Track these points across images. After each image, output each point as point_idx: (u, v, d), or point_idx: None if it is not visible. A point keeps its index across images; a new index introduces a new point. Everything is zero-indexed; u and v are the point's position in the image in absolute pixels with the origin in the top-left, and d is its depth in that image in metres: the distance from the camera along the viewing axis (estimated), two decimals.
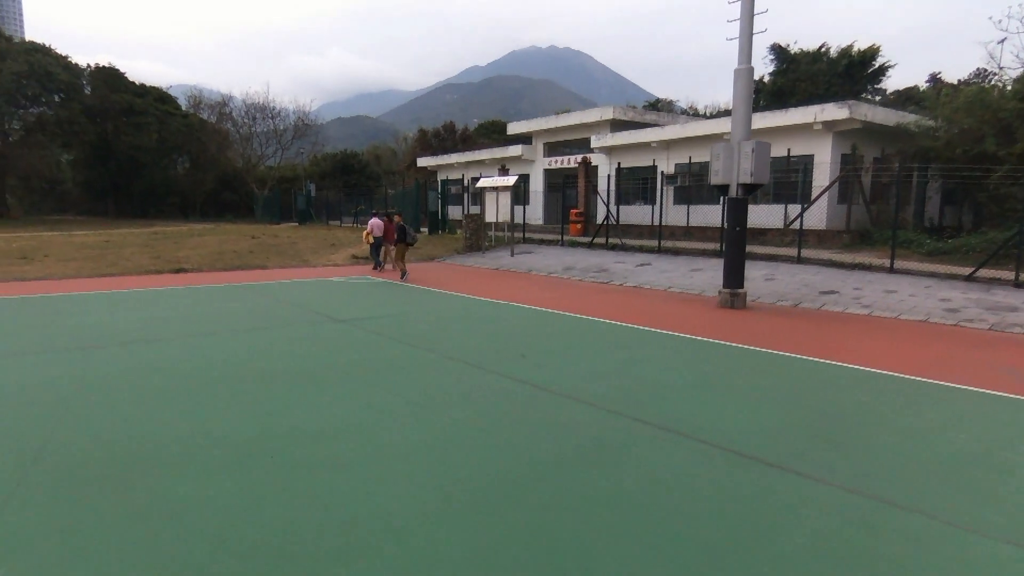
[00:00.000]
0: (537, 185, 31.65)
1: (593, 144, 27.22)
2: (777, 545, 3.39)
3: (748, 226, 11.98)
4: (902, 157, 19.35)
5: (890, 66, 35.03)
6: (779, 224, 19.81)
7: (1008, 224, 15.75)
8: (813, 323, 10.22)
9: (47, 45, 49.18)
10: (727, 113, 39.02)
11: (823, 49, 35.52)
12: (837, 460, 4.53)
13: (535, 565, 3.18)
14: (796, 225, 16.93)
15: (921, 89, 34.98)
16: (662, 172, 23.52)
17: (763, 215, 19.70)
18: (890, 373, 7.01)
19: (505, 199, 21.98)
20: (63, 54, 49.34)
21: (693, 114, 47.85)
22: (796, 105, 22.24)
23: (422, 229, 29.10)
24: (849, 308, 11.38)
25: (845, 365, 7.37)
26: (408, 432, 5.00)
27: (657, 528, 3.56)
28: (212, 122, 59.11)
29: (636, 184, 26.28)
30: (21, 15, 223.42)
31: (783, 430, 5.16)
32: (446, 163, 38.87)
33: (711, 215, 21.14)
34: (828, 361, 7.55)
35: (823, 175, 19.22)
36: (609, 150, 26.93)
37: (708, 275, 15.15)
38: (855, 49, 34.57)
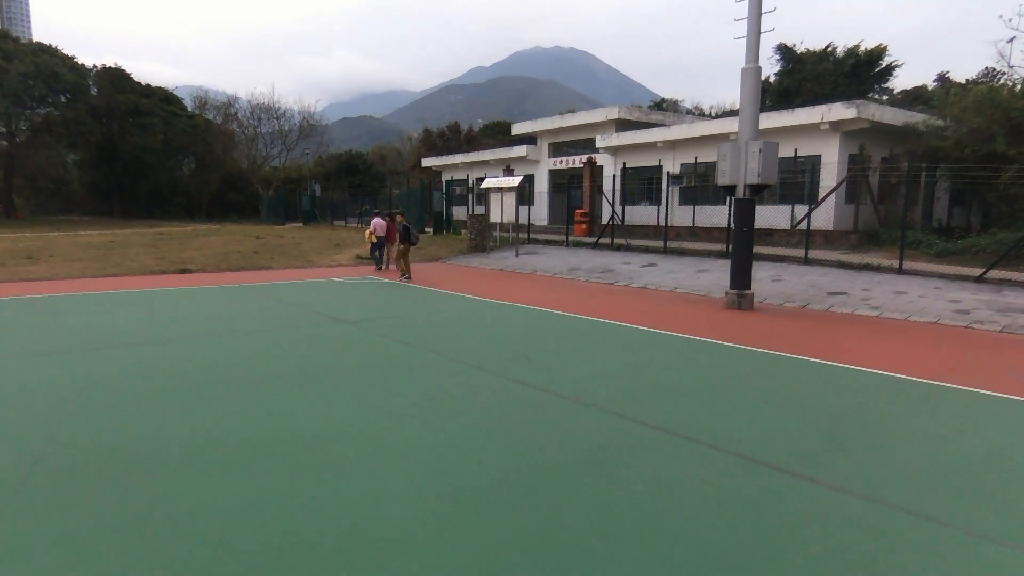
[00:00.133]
0: (542, 185, 31.59)
1: (598, 144, 27.13)
2: (789, 553, 3.31)
3: (755, 227, 11.87)
4: (911, 157, 19.21)
5: (897, 65, 34.83)
6: (786, 225, 19.69)
7: (1018, 225, 15.61)
8: (821, 325, 10.11)
9: (53, 46, 49.41)
10: (733, 113, 38.88)
11: (829, 49, 35.32)
12: (848, 465, 4.45)
13: (541, 573, 3.10)
14: (803, 226, 16.81)
15: (929, 89, 34.77)
16: (668, 172, 23.44)
17: (770, 216, 19.58)
18: (901, 376, 6.90)
19: (510, 199, 21.92)
20: (69, 55, 49.60)
21: (699, 114, 47.72)
22: (802, 105, 22.11)
23: (427, 229, 29.07)
24: (858, 309, 11.26)
25: (854, 368, 7.26)
26: (411, 436, 4.94)
27: (666, 534, 3.48)
28: (218, 123, 59.27)
29: (641, 184, 26.19)
30: (28, 16, 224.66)
31: (792, 434, 5.07)
32: (451, 163, 38.85)
33: (717, 215, 21.03)
34: (837, 363, 7.45)
35: (830, 175, 19.09)
36: (614, 150, 26.84)
37: (714, 276, 15.05)
38: (862, 49, 34.36)
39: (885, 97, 35.05)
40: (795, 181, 19.97)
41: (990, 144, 17.17)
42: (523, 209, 24.07)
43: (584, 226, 26.08)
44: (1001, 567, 3.23)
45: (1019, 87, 18.69)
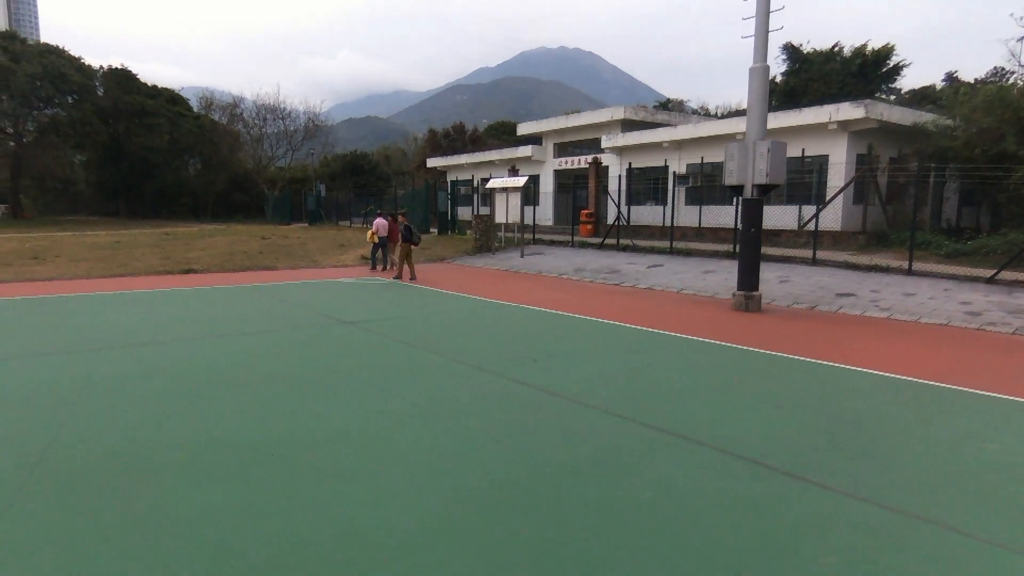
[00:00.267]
0: (547, 186, 31.50)
1: (604, 144, 27.02)
2: (803, 562, 3.22)
3: (762, 227, 11.76)
4: (920, 157, 19.03)
5: (904, 65, 34.58)
6: (793, 225, 19.55)
7: None
8: (830, 326, 9.99)
9: (60, 47, 49.63)
10: (739, 113, 38.71)
11: (836, 48, 35.10)
12: (859, 470, 4.35)
13: None
14: (811, 226, 16.67)
15: (937, 88, 34.51)
16: (674, 172, 23.32)
17: (777, 216, 19.45)
18: (913, 379, 6.79)
19: (515, 200, 21.84)
20: (76, 55, 49.79)
21: (704, 114, 47.54)
22: (810, 105, 21.95)
23: (431, 230, 29.03)
24: (867, 311, 11.14)
25: (865, 370, 7.15)
26: (415, 438, 4.87)
27: (673, 541, 3.39)
28: (223, 123, 59.47)
29: (647, 184, 26.07)
30: (37, 17, 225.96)
31: (803, 438, 4.98)
32: (456, 164, 38.80)
33: (723, 216, 20.89)
34: (847, 366, 7.34)
35: (838, 175, 18.93)
36: (620, 150, 26.73)
37: (721, 277, 14.93)
38: (869, 48, 34.13)
39: (892, 97, 34.81)
40: (802, 181, 19.83)
41: (1000, 144, 16.99)
42: (528, 209, 24.00)
43: (590, 226, 25.98)
44: None
45: None
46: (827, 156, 19.73)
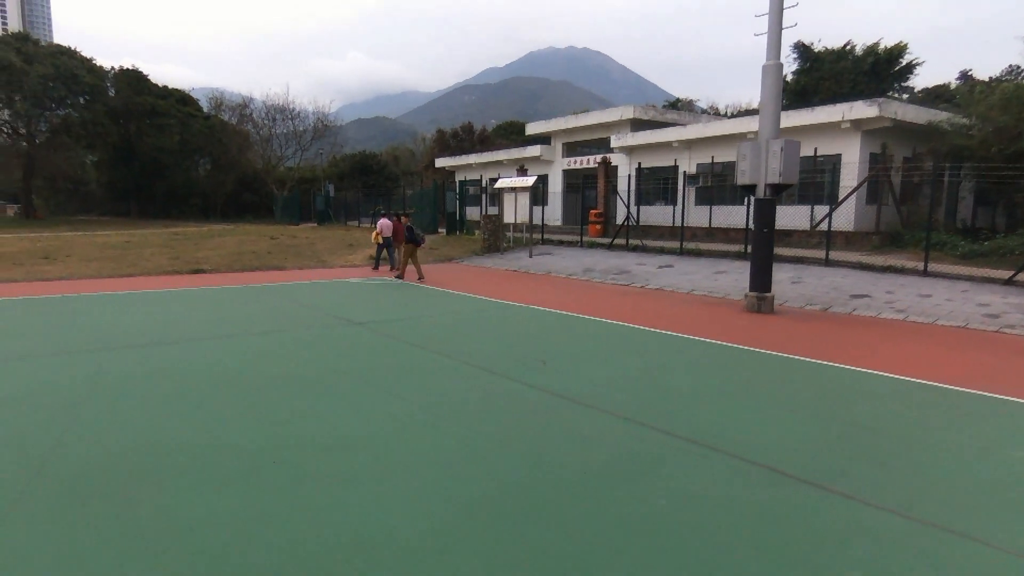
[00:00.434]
0: (556, 186, 31.36)
1: (613, 144, 26.86)
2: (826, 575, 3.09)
3: (775, 227, 11.58)
4: (934, 156, 18.77)
5: (917, 64, 34.16)
6: (805, 225, 19.32)
7: None
8: (845, 328, 9.82)
9: (73, 48, 49.97)
10: (750, 112, 38.41)
11: (848, 47, 34.75)
12: (884, 479, 4.21)
13: None
14: (823, 226, 16.46)
15: (951, 87, 34.11)
16: (684, 172, 23.14)
17: (788, 216, 19.22)
18: (932, 383, 6.63)
19: (524, 200, 21.73)
20: (88, 56, 50.11)
21: (714, 114, 47.23)
22: (822, 103, 21.70)
23: (440, 230, 28.97)
24: (882, 313, 10.95)
25: (882, 374, 6.99)
26: (423, 443, 4.77)
27: (691, 551, 3.27)
28: (233, 124, 59.64)
29: (657, 184, 25.89)
30: (50, 19, 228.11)
31: (822, 445, 4.84)
32: (464, 164, 38.73)
33: (734, 216, 20.69)
34: (864, 369, 7.18)
35: (851, 175, 18.69)
36: (629, 150, 26.56)
37: (732, 277, 14.76)
38: (881, 47, 33.75)
39: (905, 96, 34.43)
40: (814, 181, 19.59)
41: (1017, 143, 16.71)
42: (537, 209, 23.87)
43: (599, 226, 25.83)
44: None
45: None
46: (840, 155, 19.49)
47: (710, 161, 23.35)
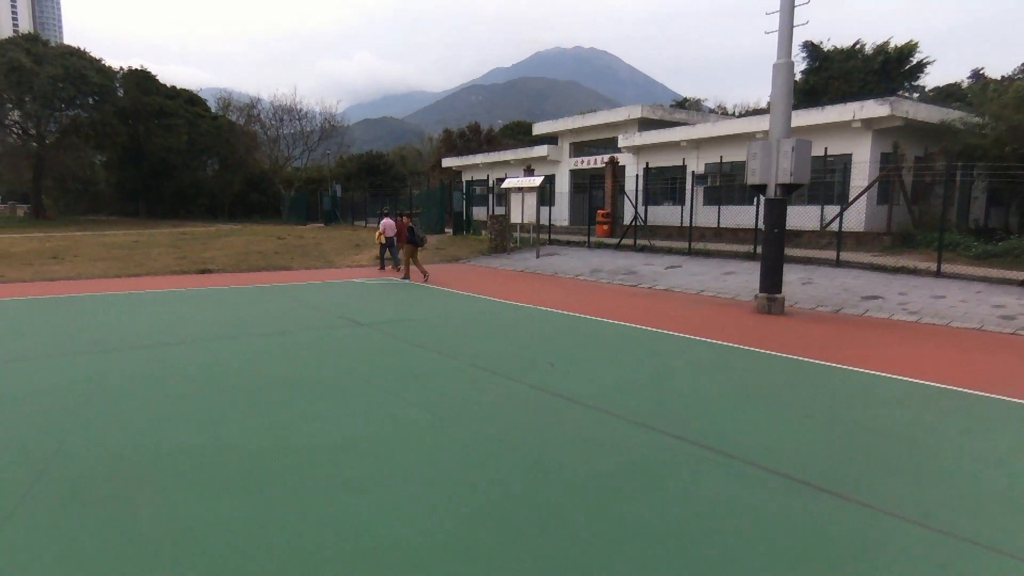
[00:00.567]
0: (563, 186, 31.24)
1: (621, 144, 26.72)
2: None
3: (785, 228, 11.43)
4: (947, 155, 18.54)
5: (928, 62, 33.82)
6: (815, 226, 19.13)
7: None
8: (857, 330, 9.66)
9: (81, 48, 50.22)
10: (759, 111, 38.14)
11: (857, 46, 34.46)
12: (902, 488, 4.09)
13: None
14: (833, 227, 16.28)
15: (963, 86, 33.76)
16: (692, 172, 22.98)
17: (798, 216, 19.02)
18: (949, 387, 6.49)
19: (531, 200, 21.63)
20: (97, 57, 50.34)
21: (722, 113, 46.96)
22: (832, 102, 21.49)
23: (447, 230, 28.90)
24: (895, 315, 10.78)
25: (897, 377, 6.86)
26: (430, 449, 4.68)
27: (706, 561, 3.16)
28: (241, 124, 59.84)
29: (665, 184, 25.73)
30: (60, 20, 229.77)
31: (838, 451, 4.72)
32: (471, 164, 38.66)
33: (743, 216, 20.51)
34: (878, 372, 7.04)
35: (861, 175, 18.49)
36: (637, 150, 26.41)
37: (742, 278, 14.61)
38: (891, 46, 33.44)
39: (916, 95, 34.09)
40: (824, 181, 19.39)
41: None
42: (544, 209, 23.77)
43: (606, 227, 25.70)
44: None
45: None
46: (850, 155, 19.29)
47: (719, 161, 23.18)
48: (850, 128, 19.14)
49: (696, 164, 24.12)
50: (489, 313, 11.05)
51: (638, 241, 20.57)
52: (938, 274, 13.22)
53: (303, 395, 5.96)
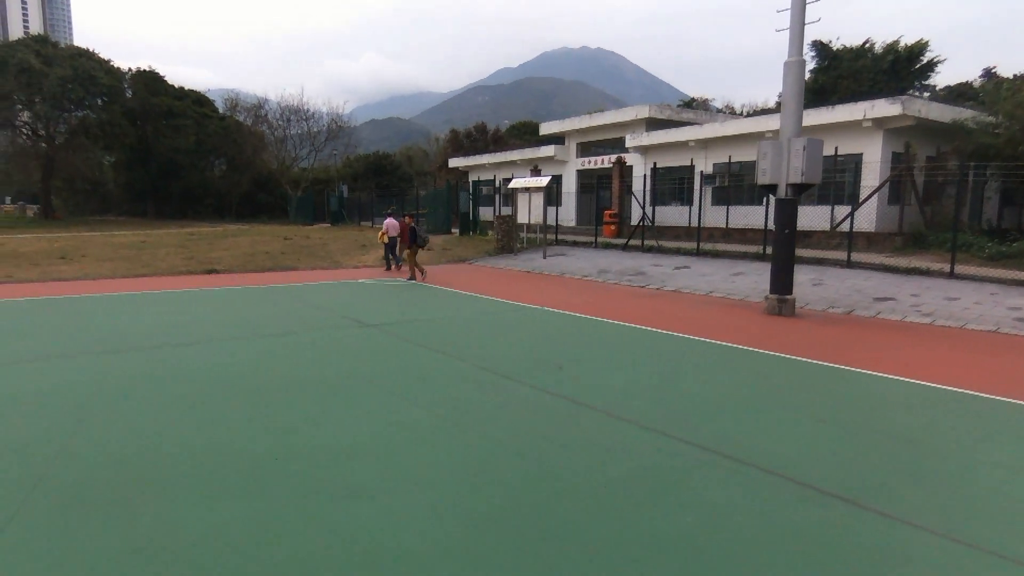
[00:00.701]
0: (570, 186, 31.12)
1: (628, 144, 26.57)
2: None
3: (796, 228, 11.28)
4: (959, 155, 18.31)
5: (939, 61, 33.49)
6: (825, 226, 18.93)
7: None
8: (870, 333, 9.51)
9: (91, 50, 50.48)
10: (767, 111, 37.89)
11: (867, 45, 34.16)
12: (922, 497, 3.96)
13: None
14: (844, 227, 16.09)
15: (974, 85, 33.41)
16: (700, 172, 22.82)
17: (808, 217, 18.81)
18: (966, 391, 6.34)
19: (537, 200, 21.53)
20: (105, 58, 50.58)
21: (729, 113, 46.70)
22: (842, 102, 21.28)
23: (453, 230, 28.83)
24: (908, 316, 10.62)
25: (913, 381, 6.71)
26: (437, 453, 4.59)
27: (720, 573, 3.06)
28: (248, 125, 60.00)
29: (672, 184, 25.57)
30: (70, 22, 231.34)
31: (855, 458, 4.59)
32: (477, 164, 38.59)
33: (752, 216, 20.35)
34: (893, 376, 6.90)
35: (872, 174, 18.28)
36: (644, 150, 26.26)
37: (751, 279, 14.45)
38: (902, 44, 33.14)
39: (926, 94, 33.76)
40: (834, 181, 19.19)
41: None
42: (551, 210, 23.66)
43: (613, 227, 25.56)
44: None
45: None
46: (861, 155, 19.08)
47: (727, 161, 23.00)
48: (860, 127, 18.93)
49: (704, 164, 23.94)
50: (496, 314, 10.95)
51: (646, 242, 20.42)
52: (951, 275, 13.03)
53: (307, 397, 5.88)
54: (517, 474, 4.25)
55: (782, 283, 10.98)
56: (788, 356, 7.85)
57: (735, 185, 22.72)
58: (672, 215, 24.65)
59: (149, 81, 54.13)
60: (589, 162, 30.43)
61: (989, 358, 7.96)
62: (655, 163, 24.10)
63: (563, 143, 32.28)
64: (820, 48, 35.18)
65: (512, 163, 34.62)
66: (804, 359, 7.69)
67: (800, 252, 15.97)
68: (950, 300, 11.35)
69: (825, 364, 7.45)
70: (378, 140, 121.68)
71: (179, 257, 19.83)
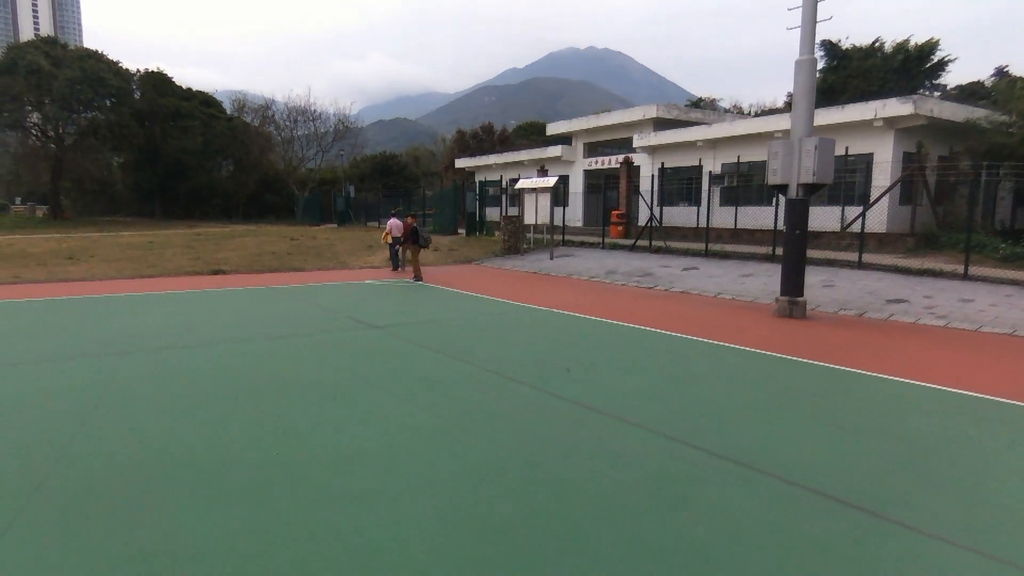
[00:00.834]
0: (577, 186, 30.98)
1: (635, 144, 26.42)
2: None
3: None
4: (972, 155, 18.07)
5: (950, 60, 33.16)
6: (835, 227, 18.73)
7: None
8: (883, 336, 9.35)
9: (99, 51, 50.74)
10: (776, 111, 37.62)
11: (876, 44, 33.87)
12: (945, 508, 3.83)
13: None
14: (854, 228, 15.90)
15: (986, 84, 33.06)
16: (709, 172, 22.65)
17: (818, 217, 18.61)
18: (985, 396, 6.18)
19: (544, 200, 21.41)
20: (114, 59, 50.84)
21: (738, 113, 46.44)
22: (850, 101, 21.06)
23: (459, 230, 28.76)
24: (922, 319, 10.44)
25: (930, 385, 6.56)
26: (443, 459, 4.48)
27: None
28: (255, 125, 60.17)
29: (680, 184, 25.40)
30: (80, 24, 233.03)
31: (874, 466, 4.46)
32: (484, 164, 38.51)
33: (761, 217, 20.15)
34: (909, 380, 6.75)
35: (883, 174, 18.08)
36: (652, 149, 26.10)
37: (760, 280, 14.29)
38: (912, 43, 32.83)
39: (937, 93, 33.43)
40: (845, 181, 18.98)
41: None
42: (558, 210, 23.54)
43: (620, 228, 25.41)
44: None
45: None
46: (871, 154, 18.87)
47: (736, 161, 22.80)
48: (871, 127, 18.72)
49: (713, 164, 23.77)
50: (503, 315, 10.85)
51: (653, 242, 20.27)
52: (965, 277, 12.83)
53: (312, 400, 5.79)
54: (524, 480, 4.14)
55: (793, 285, 10.83)
56: (801, 359, 7.71)
57: (744, 185, 22.53)
58: (680, 216, 24.49)
59: (157, 82, 54.36)
60: (596, 162, 30.29)
61: (1007, 362, 7.79)
62: (663, 163, 23.93)
63: (570, 143, 32.15)
64: (829, 47, 34.89)
65: (519, 163, 34.52)
66: (817, 362, 7.55)
67: (810, 253, 15.78)
68: (965, 302, 11.17)
69: (839, 368, 7.30)
70: (385, 141, 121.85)
71: (186, 258, 19.84)
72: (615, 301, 12.67)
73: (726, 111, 43.48)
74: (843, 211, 18.70)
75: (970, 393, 6.29)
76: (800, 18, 10.49)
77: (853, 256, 15.20)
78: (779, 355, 7.93)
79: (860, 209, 16.26)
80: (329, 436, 4.90)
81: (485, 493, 3.95)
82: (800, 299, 10.84)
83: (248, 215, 56.69)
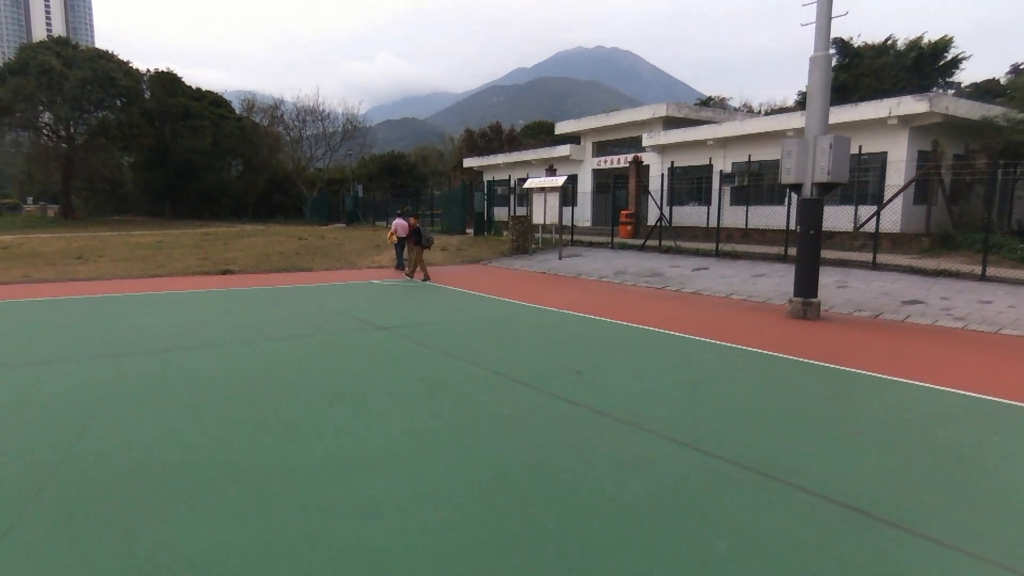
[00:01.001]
0: (585, 186, 30.81)
1: (645, 143, 26.22)
2: None
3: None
4: (988, 153, 17.76)
5: (964, 58, 32.71)
6: (848, 226, 18.46)
7: None
8: (900, 338, 9.14)
9: (110, 51, 51.03)
10: (787, 109, 37.29)
11: (889, 42, 33.47)
12: (975, 521, 3.66)
13: None
14: (868, 227, 15.65)
15: (1001, 82, 32.60)
16: (719, 171, 22.43)
17: (831, 217, 18.35)
18: (1010, 402, 5.99)
19: (553, 200, 21.26)
20: (125, 60, 51.11)
21: (748, 111, 46.07)
22: (863, 100, 20.79)
23: (468, 230, 28.65)
24: (939, 321, 10.22)
25: (952, 390, 6.37)
26: (450, 466, 4.36)
27: None
28: (264, 125, 60.38)
29: (690, 184, 25.17)
30: (92, 24, 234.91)
31: (898, 476, 4.29)
32: (492, 164, 38.40)
33: (773, 217, 19.92)
34: (930, 385, 6.56)
35: (897, 173, 17.80)
36: (662, 149, 25.90)
37: (772, 281, 14.09)
38: (925, 41, 32.41)
39: (951, 91, 33.00)
40: (858, 180, 18.72)
41: None
42: (566, 210, 23.38)
43: (630, 227, 25.22)
44: None
45: None
46: (886, 153, 18.59)
47: (747, 160, 22.57)
48: (885, 125, 18.46)
49: (723, 163, 23.54)
50: (511, 316, 10.72)
51: (663, 242, 20.08)
52: (983, 278, 12.58)
53: (316, 404, 5.68)
54: (535, 490, 4.01)
55: (807, 285, 10.64)
56: (816, 362, 7.53)
57: (755, 184, 22.29)
58: (690, 215, 24.27)
59: (167, 82, 54.61)
60: (605, 161, 30.10)
61: None
62: (672, 162, 23.72)
63: (579, 143, 31.98)
64: (841, 45, 34.52)
65: (527, 163, 34.38)
66: (834, 365, 7.37)
67: (823, 253, 15.56)
68: (983, 303, 10.93)
69: (856, 371, 7.12)
70: (393, 140, 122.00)
71: (194, 257, 19.84)
72: (625, 302, 12.51)
73: (736, 110, 43.15)
74: (856, 211, 18.44)
75: (992, 398, 6.10)
76: (815, 13, 10.29)
77: (867, 256, 14.96)
78: (794, 358, 7.76)
79: (873, 209, 16.01)
80: (333, 441, 4.79)
81: (494, 504, 3.82)
82: (814, 300, 10.65)
83: (257, 215, 56.85)
